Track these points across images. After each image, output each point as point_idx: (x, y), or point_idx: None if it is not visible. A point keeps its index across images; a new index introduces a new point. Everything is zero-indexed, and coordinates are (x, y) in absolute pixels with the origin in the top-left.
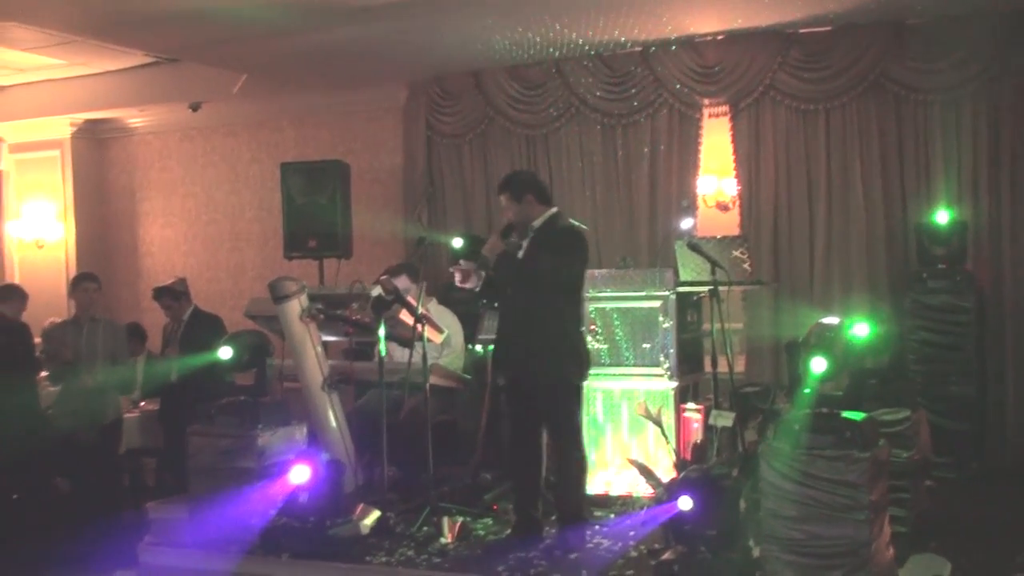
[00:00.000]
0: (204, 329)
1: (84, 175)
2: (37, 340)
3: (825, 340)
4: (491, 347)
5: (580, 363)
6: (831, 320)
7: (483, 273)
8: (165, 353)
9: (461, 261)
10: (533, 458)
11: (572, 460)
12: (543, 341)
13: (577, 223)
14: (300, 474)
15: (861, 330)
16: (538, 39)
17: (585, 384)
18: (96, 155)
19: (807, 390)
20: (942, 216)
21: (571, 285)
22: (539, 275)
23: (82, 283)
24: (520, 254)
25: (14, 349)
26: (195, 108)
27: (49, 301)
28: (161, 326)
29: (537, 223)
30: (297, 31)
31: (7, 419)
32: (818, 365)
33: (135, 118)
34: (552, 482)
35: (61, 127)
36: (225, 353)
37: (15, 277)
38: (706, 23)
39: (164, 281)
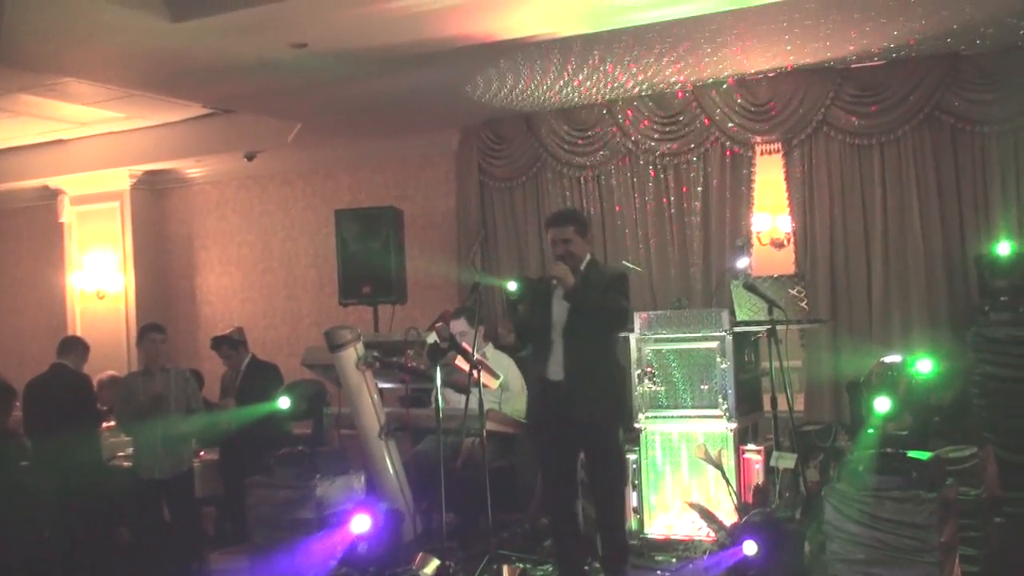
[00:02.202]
0: (262, 378)
1: (143, 225)
2: None
3: (888, 379)
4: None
5: (627, 404)
6: (893, 358)
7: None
8: (223, 402)
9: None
10: (573, 508)
11: (620, 506)
12: (601, 383)
13: (632, 265)
14: (360, 524)
15: (924, 366)
16: (589, 81)
17: (642, 428)
18: (155, 205)
19: (871, 430)
20: (1003, 247)
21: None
22: (613, 312)
23: (149, 334)
24: (563, 294)
25: (78, 401)
26: (250, 157)
27: (109, 352)
28: (219, 375)
29: (583, 265)
30: (350, 81)
31: (71, 472)
32: (882, 405)
33: (192, 168)
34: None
35: (121, 179)
36: (284, 403)
37: (76, 328)
38: (757, 62)
39: (222, 330)
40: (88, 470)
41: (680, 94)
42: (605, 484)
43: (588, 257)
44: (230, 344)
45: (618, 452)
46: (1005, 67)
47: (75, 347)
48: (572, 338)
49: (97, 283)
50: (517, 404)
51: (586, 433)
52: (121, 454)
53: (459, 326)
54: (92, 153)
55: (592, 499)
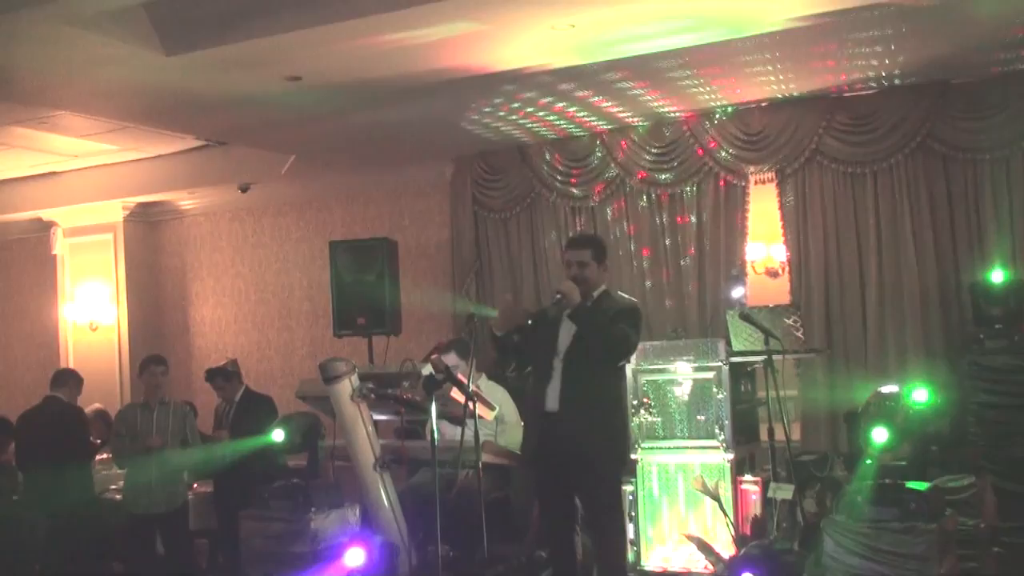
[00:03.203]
0: (256, 410)
1: (136, 257)
2: None
3: (885, 409)
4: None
5: (628, 441)
6: (890, 388)
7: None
8: (216, 434)
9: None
10: (571, 542)
11: (620, 543)
12: (599, 417)
13: (626, 296)
14: (354, 557)
15: (920, 396)
16: (581, 112)
17: (639, 459)
18: (148, 237)
19: (869, 461)
20: (997, 275)
21: (627, 359)
22: (615, 338)
23: (150, 366)
24: (568, 312)
25: (71, 435)
26: (244, 189)
27: (103, 384)
28: (212, 406)
29: (596, 293)
30: (344, 113)
31: (64, 505)
32: (879, 435)
33: (186, 200)
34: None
35: (114, 211)
36: (278, 436)
37: (69, 360)
38: (750, 91)
39: (216, 362)
40: (81, 504)
41: (673, 124)
42: (599, 523)
43: (603, 287)
44: (224, 376)
45: (615, 490)
46: (994, 96)
47: (69, 380)
48: (573, 366)
49: (90, 315)
50: (513, 436)
51: (580, 469)
52: (113, 487)
53: (450, 360)
54: (85, 185)
55: (589, 535)
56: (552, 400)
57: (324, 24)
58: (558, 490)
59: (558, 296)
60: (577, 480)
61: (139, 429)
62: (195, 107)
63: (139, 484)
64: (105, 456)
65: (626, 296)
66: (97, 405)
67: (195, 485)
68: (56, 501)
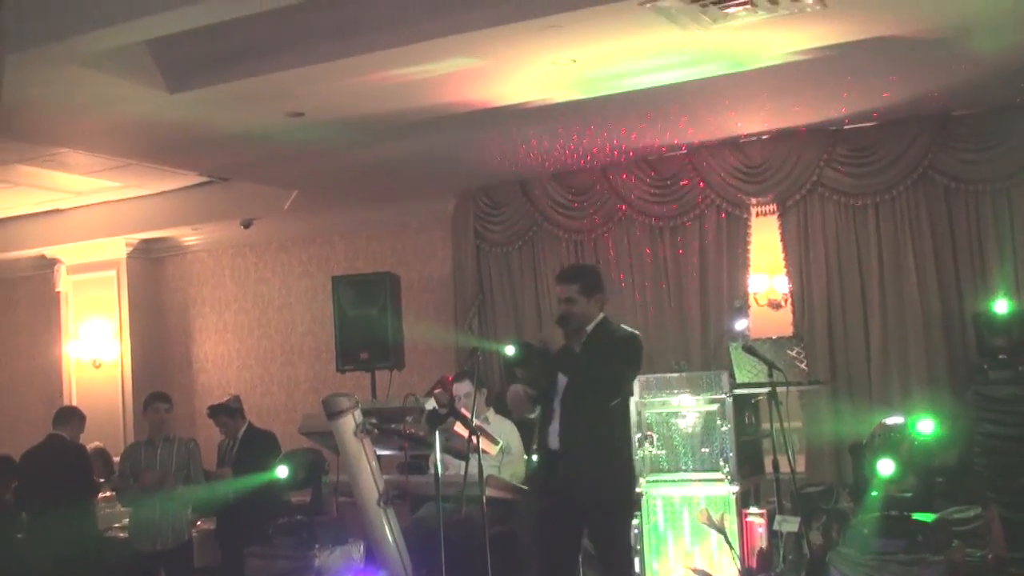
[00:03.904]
0: (259, 446)
1: (139, 294)
2: None
3: (890, 441)
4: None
5: (634, 475)
6: (895, 420)
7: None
8: (220, 471)
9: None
10: None
11: None
12: (600, 455)
13: (628, 328)
14: None
15: (925, 427)
16: (583, 146)
17: (643, 492)
18: (151, 274)
19: (874, 493)
20: (1001, 306)
21: (627, 393)
22: (601, 379)
23: (154, 403)
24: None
25: (74, 473)
26: (247, 225)
27: (106, 421)
28: (215, 442)
29: (590, 327)
30: (346, 148)
31: (67, 544)
32: (885, 467)
33: (189, 236)
34: None
35: (117, 248)
36: (282, 472)
37: (72, 398)
38: (751, 124)
39: (219, 398)
40: (85, 542)
41: (674, 157)
42: (608, 558)
43: (600, 317)
44: (227, 412)
45: (622, 525)
46: (995, 127)
47: (72, 418)
48: (569, 406)
49: (93, 352)
50: (516, 468)
51: (584, 505)
52: (117, 525)
53: (464, 388)
54: (89, 222)
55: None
56: (553, 439)
57: (325, 61)
58: (562, 527)
59: (541, 345)
60: (584, 516)
61: (143, 467)
62: (198, 143)
63: (144, 522)
64: (108, 494)
65: (625, 327)
66: (97, 443)
67: (198, 522)
68: (60, 539)
